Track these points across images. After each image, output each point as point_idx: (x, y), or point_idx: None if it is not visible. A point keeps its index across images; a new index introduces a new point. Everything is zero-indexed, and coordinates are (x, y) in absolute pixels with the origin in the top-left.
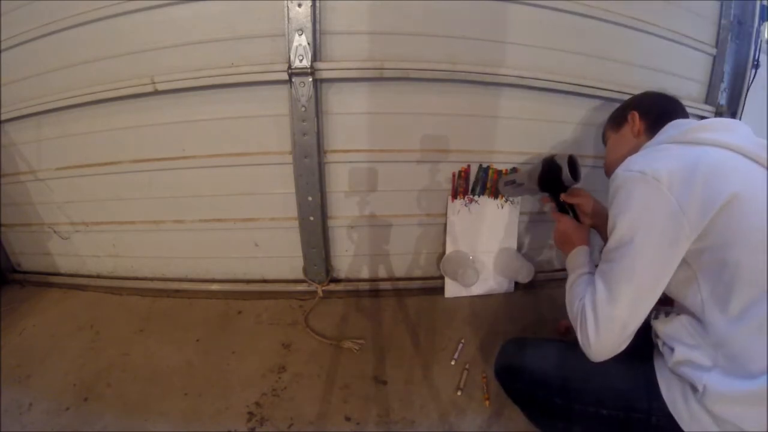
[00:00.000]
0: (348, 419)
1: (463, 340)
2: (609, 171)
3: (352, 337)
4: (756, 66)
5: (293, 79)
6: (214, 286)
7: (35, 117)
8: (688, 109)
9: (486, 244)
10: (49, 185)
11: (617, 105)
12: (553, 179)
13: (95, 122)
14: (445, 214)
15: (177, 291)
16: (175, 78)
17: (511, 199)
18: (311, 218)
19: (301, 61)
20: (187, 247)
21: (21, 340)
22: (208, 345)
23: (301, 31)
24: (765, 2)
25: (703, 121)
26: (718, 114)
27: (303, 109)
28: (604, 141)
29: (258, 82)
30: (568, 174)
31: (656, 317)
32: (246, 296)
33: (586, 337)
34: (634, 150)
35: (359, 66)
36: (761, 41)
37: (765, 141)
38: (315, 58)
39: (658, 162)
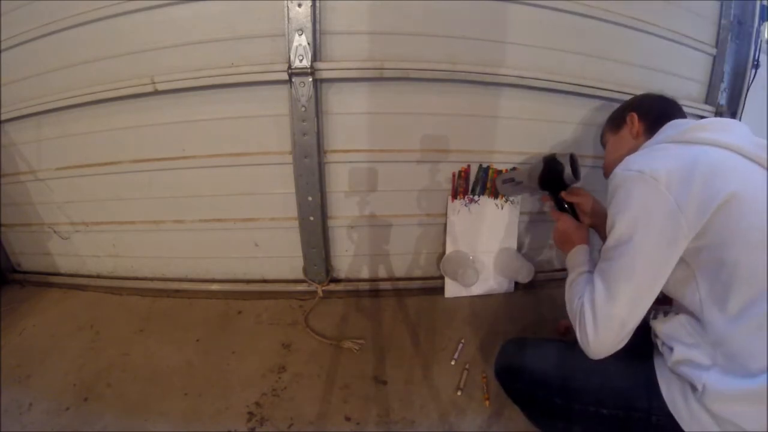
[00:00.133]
0: (348, 419)
1: (463, 340)
2: (608, 172)
3: (352, 337)
4: (756, 66)
5: (293, 79)
6: (214, 286)
7: (35, 117)
8: (689, 110)
9: (486, 244)
10: (49, 185)
11: (617, 105)
12: (554, 178)
13: (95, 122)
14: (445, 214)
15: (177, 291)
16: (175, 78)
17: (511, 199)
18: (311, 218)
19: (301, 61)
20: (187, 247)
21: (21, 340)
22: (208, 345)
23: (301, 31)
24: (765, 2)
25: (701, 120)
26: (718, 114)
27: (303, 109)
28: (603, 143)
29: (258, 82)
30: (570, 173)
31: (655, 317)
32: (246, 296)
33: (585, 335)
34: (633, 151)
35: (359, 66)
36: (761, 41)
37: (763, 141)
38: (315, 58)
39: (657, 161)
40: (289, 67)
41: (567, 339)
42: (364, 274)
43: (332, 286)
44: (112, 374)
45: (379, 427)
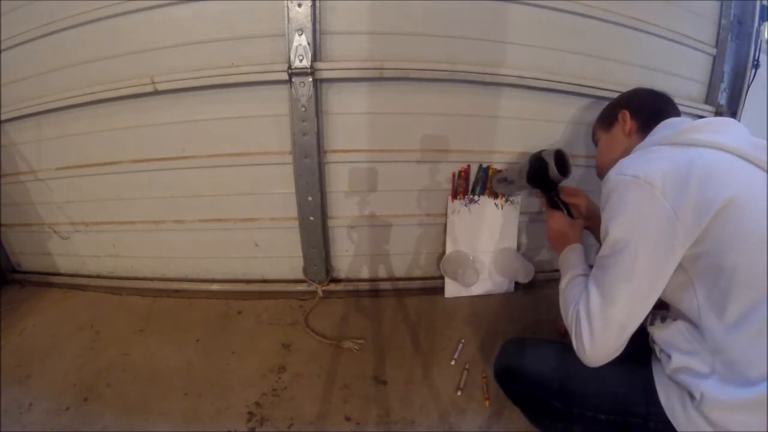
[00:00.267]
0: (348, 419)
1: (463, 340)
2: (601, 173)
3: (352, 337)
4: (756, 66)
5: (293, 79)
6: (214, 286)
7: (35, 117)
8: (689, 110)
9: (486, 244)
10: (49, 185)
11: None
12: (541, 175)
13: (95, 122)
14: (445, 214)
15: (177, 291)
16: (175, 78)
17: (511, 199)
18: (311, 218)
19: (301, 61)
20: (187, 247)
21: (21, 340)
22: (208, 345)
23: (301, 31)
24: (765, 2)
25: (696, 121)
26: (719, 114)
27: (303, 109)
28: (594, 141)
29: (258, 82)
30: (555, 170)
31: (652, 323)
32: (246, 296)
33: (581, 343)
34: (627, 151)
35: (359, 66)
36: (761, 41)
37: (762, 141)
38: (315, 58)
39: (651, 165)
40: (289, 67)
41: (567, 340)
42: (364, 274)
43: (332, 286)
44: (112, 374)
45: (379, 427)
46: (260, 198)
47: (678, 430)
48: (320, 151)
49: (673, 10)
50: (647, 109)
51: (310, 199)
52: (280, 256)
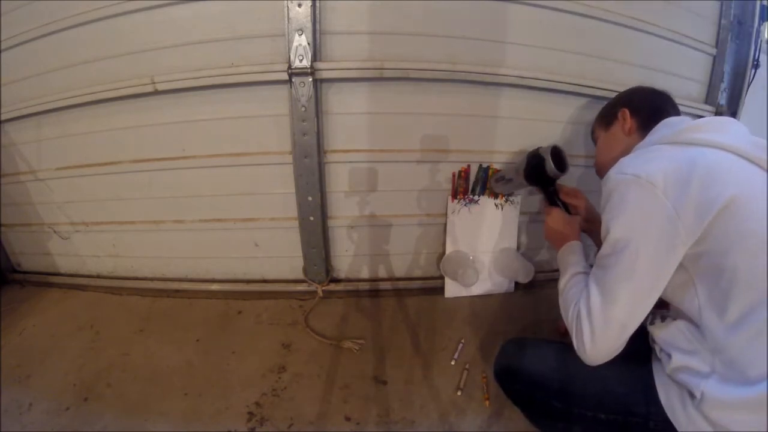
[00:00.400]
0: (348, 419)
1: (463, 340)
2: (601, 172)
3: (352, 337)
4: (756, 66)
5: (293, 79)
6: (214, 286)
7: (35, 117)
8: (689, 110)
9: (486, 244)
10: (49, 185)
11: None
12: (538, 172)
13: (95, 122)
14: (445, 214)
15: (177, 291)
16: (175, 78)
17: (511, 199)
18: (311, 218)
19: (301, 61)
20: (187, 247)
21: (21, 340)
22: (208, 345)
23: (301, 31)
24: (765, 2)
25: (696, 120)
26: (718, 114)
27: (303, 109)
28: (594, 139)
29: (258, 82)
30: (552, 165)
31: (652, 322)
32: (246, 296)
33: (582, 343)
34: (627, 150)
35: (359, 66)
36: (761, 41)
37: (763, 140)
38: (315, 58)
39: (652, 164)
40: (289, 67)
41: (567, 340)
42: (364, 274)
43: (332, 286)
44: (112, 374)
45: (379, 427)
46: (260, 198)
47: (678, 429)
48: (320, 151)
49: (673, 10)
50: (647, 108)
51: (310, 199)
52: (280, 256)
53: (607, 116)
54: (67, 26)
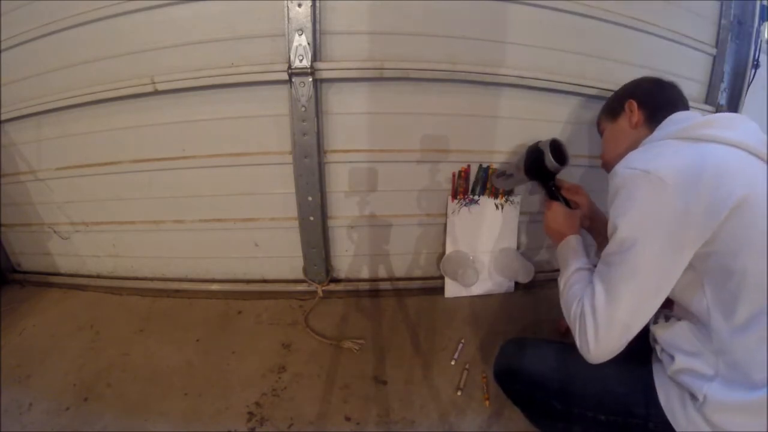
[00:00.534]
0: (348, 419)
1: (463, 340)
2: (608, 166)
3: (352, 337)
4: (756, 66)
5: (293, 79)
6: (214, 286)
7: (35, 117)
8: None
9: (486, 244)
10: (49, 185)
11: None
12: (538, 166)
13: (95, 122)
14: (445, 214)
15: (177, 291)
16: (175, 78)
17: (511, 198)
18: (311, 218)
19: (301, 61)
20: (187, 247)
21: (21, 340)
22: (208, 345)
23: (301, 31)
24: (765, 2)
25: (708, 116)
26: None
27: (303, 109)
28: (600, 131)
29: (258, 82)
30: (551, 159)
31: (655, 321)
32: (246, 296)
33: (585, 342)
34: (634, 144)
35: (359, 66)
36: (761, 41)
37: None
38: (315, 58)
39: (662, 159)
40: (289, 67)
41: (567, 340)
42: (364, 274)
43: (332, 286)
44: (112, 374)
45: (379, 427)
46: (260, 198)
47: (677, 430)
48: (320, 151)
49: (673, 10)
50: (655, 100)
51: (310, 199)
52: (280, 256)
53: (614, 108)
54: (67, 26)
